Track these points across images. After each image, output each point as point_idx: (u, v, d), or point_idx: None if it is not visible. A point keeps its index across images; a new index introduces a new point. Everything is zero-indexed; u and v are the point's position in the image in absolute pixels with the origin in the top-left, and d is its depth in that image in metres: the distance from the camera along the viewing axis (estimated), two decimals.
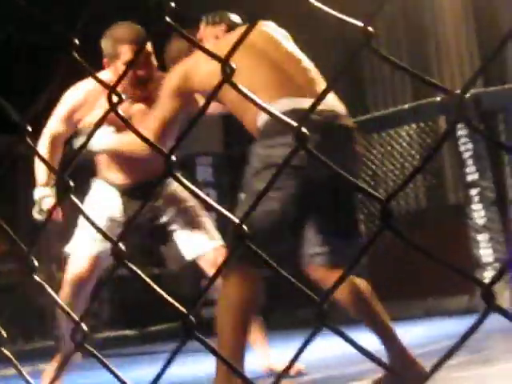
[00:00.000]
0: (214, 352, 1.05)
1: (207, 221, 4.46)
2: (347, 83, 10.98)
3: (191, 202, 4.44)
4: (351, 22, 1.00)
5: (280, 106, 3.04)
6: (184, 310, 1.05)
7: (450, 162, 9.54)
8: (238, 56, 1.18)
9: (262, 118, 3.12)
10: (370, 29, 0.98)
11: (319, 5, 1.05)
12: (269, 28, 3.54)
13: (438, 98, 8.44)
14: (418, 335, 5.63)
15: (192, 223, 4.42)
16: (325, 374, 4.21)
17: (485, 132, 1.24)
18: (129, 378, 1.21)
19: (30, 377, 1.38)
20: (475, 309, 7.46)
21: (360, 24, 0.99)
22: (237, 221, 1.07)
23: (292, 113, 2.97)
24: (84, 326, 1.23)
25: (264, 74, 3.28)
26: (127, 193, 4.45)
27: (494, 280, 0.89)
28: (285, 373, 1.05)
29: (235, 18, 3.89)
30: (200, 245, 4.37)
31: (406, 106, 8.92)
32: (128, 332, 9.12)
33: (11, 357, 1.31)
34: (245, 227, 1.05)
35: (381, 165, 9.34)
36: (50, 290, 1.27)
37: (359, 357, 1.05)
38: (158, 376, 1.09)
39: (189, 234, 4.39)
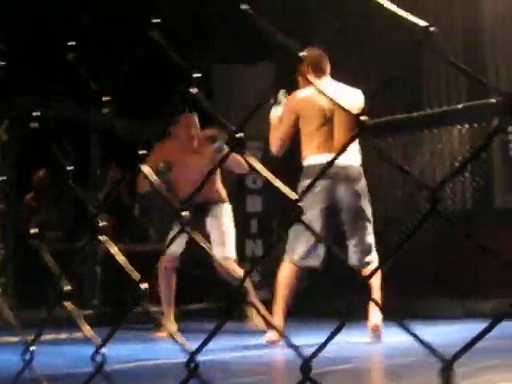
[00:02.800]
0: (262, 316, 1.09)
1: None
2: (403, 80, 10.95)
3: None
4: (412, 21, 1.04)
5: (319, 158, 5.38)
6: (241, 275, 1.09)
7: (499, 165, 9.47)
8: (311, 112, 2.37)
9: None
10: (432, 28, 1.02)
11: (385, 2, 1.08)
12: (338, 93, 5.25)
13: (493, 100, 8.39)
14: (453, 336, 5.62)
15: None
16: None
17: None
18: (171, 351, 1.26)
19: (67, 344, 1.44)
20: None
21: (423, 23, 1.03)
22: (295, 196, 1.12)
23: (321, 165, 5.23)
24: (143, 286, 1.28)
25: (321, 134, 5.48)
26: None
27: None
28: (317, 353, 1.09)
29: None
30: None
31: (460, 106, 8.88)
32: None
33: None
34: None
35: (429, 163, 9.30)
36: (116, 249, 1.33)
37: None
38: (209, 338, 1.14)
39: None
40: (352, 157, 5.45)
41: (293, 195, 1.13)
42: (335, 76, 5.71)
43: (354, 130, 1.11)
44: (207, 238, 6.44)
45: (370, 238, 5.54)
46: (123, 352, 4.81)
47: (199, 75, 1.24)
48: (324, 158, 5.33)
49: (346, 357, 4.55)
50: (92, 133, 8.79)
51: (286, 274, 5.48)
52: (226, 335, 6.02)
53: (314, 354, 1.08)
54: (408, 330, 1.03)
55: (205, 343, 1.20)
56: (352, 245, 5.50)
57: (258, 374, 3.87)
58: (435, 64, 10.90)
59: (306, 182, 5.32)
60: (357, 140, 4.96)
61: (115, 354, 4.55)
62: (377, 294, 5.13)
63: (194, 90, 1.23)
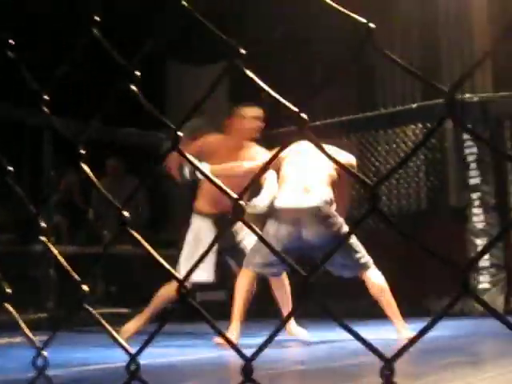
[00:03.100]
0: (206, 319, 1.08)
1: None
2: (357, 80, 11.00)
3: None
4: (354, 18, 1.03)
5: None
6: (180, 277, 1.08)
7: (453, 165, 9.55)
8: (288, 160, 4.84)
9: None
10: (372, 25, 1.01)
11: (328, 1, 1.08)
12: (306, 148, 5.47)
13: (459, 96, 8.43)
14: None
15: None
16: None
17: (471, 132, 1.24)
18: (121, 355, 1.24)
19: (21, 348, 1.41)
20: (472, 311, 7.51)
21: (363, 20, 1.02)
22: (235, 196, 1.11)
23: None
24: (85, 287, 1.26)
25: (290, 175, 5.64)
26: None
27: (470, 265, 0.92)
28: None
29: None
30: None
31: (414, 106, 8.94)
32: (123, 310, 9.14)
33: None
34: None
35: (385, 162, 9.35)
36: (53, 249, 1.30)
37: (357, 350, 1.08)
38: (149, 340, 1.12)
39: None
40: (321, 194, 5.57)
41: (233, 195, 1.11)
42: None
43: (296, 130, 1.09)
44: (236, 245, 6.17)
45: (356, 254, 5.59)
46: (74, 356, 4.76)
47: (139, 73, 1.22)
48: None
49: (296, 358, 4.57)
50: (45, 132, 8.68)
51: (243, 279, 5.59)
52: (180, 337, 6.02)
53: (255, 355, 1.07)
54: (349, 330, 1.02)
55: (145, 345, 1.18)
56: (339, 264, 5.50)
57: (202, 376, 3.85)
58: (390, 64, 10.94)
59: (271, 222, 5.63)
60: (325, 182, 5.55)
61: (65, 357, 4.52)
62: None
63: (133, 88, 1.21)
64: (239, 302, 5.54)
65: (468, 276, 0.92)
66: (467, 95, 8.75)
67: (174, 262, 9.95)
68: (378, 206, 0.97)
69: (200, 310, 1.08)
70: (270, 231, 5.51)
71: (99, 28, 1.30)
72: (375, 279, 5.58)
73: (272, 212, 5.61)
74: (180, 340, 5.88)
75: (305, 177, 5.58)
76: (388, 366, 0.99)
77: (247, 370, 1.07)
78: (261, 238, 1.17)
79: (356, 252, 5.55)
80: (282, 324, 1.07)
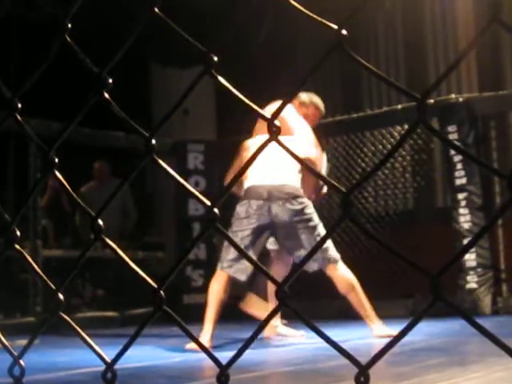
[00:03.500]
0: (179, 325, 1.08)
1: None
2: (343, 81, 11.03)
3: None
4: (326, 25, 1.03)
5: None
6: (155, 285, 1.08)
7: (439, 166, 9.58)
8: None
9: None
10: (344, 32, 1.01)
11: (296, 5, 1.08)
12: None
13: (432, 101, 8.47)
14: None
15: None
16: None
17: (441, 135, 1.26)
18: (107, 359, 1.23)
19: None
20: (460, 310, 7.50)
21: (334, 26, 1.02)
22: (209, 203, 1.10)
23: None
24: (60, 296, 1.25)
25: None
26: None
27: (441, 271, 0.92)
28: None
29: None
30: None
31: (399, 107, 8.95)
32: (109, 313, 9.13)
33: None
34: None
35: (371, 163, 9.35)
36: (29, 258, 1.30)
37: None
38: (126, 347, 1.12)
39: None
40: (287, 176, 5.69)
41: (207, 201, 1.11)
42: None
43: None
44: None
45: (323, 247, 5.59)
46: (59, 359, 4.75)
47: (111, 80, 1.22)
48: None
49: (281, 360, 4.57)
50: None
51: (216, 281, 5.63)
52: (168, 339, 6.01)
53: (230, 363, 1.06)
54: (322, 335, 1.02)
55: (121, 354, 1.18)
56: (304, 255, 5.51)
57: (190, 379, 3.83)
58: (376, 65, 10.97)
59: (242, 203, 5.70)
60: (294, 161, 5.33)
61: (51, 361, 4.50)
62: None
63: (106, 95, 1.21)
64: (211, 304, 5.57)
65: (439, 282, 0.91)
66: (453, 95, 8.78)
67: (162, 264, 9.97)
68: (350, 213, 0.97)
69: (172, 315, 1.08)
70: (240, 214, 5.62)
71: (72, 35, 1.29)
72: (342, 274, 5.56)
73: (243, 194, 5.74)
74: (168, 342, 5.86)
75: (273, 161, 5.54)
76: (362, 373, 0.99)
77: (222, 377, 1.06)
78: (231, 241, 1.17)
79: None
80: (258, 330, 1.07)
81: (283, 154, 5.13)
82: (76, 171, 9.69)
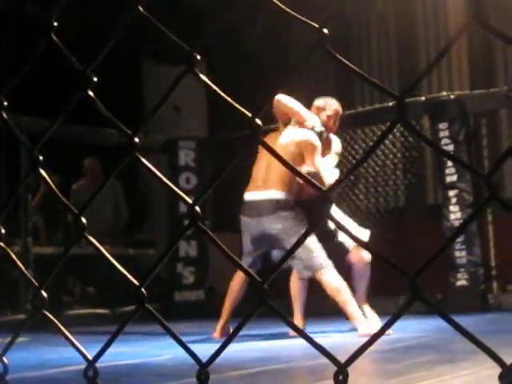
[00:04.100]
0: (160, 322, 1.08)
1: None
2: (336, 78, 11.04)
3: None
4: (309, 24, 1.03)
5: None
6: (136, 283, 1.08)
7: (430, 163, 9.60)
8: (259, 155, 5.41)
9: None
10: (325, 30, 1.01)
11: (279, 4, 1.08)
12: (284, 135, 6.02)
13: (423, 98, 8.48)
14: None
15: None
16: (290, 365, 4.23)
17: (419, 132, 1.25)
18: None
19: None
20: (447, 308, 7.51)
21: (315, 25, 1.03)
22: (190, 201, 1.10)
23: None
24: (44, 293, 1.26)
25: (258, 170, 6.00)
26: None
27: (419, 272, 0.93)
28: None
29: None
30: None
31: (391, 104, 8.95)
32: (99, 311, 9.13)
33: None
34: None
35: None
36: (13, 255, 1.30)
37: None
38: (108, 344, 1.12)
39: None
40: (270, 191, 5.95)
41: (188, 199, 1.11)
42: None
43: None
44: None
45: (310, 253, 5.81)
46: (49, 357, 4.74)
47: (95, 79, 1.22)
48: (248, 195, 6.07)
49: (270, 357, 4.57)
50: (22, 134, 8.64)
51: (235, 279, 6.00)
52: (159, 336, 6.01)
53: (210, 361, 1.07)
54: (302, 334, 1.02)
55: (102, 351, 1.18)
56: (299, 263, 5.92)
57: (179, 376, 3.83)
58: (369, 62, 11.01)
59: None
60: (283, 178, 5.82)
61: (41, 359, 4.50)
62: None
63: (90, 93, 1.21)
64: (228, 301, 6.02)
65: (416, 282, 0.92)
66: (444, 93, 8.79)
67: (153, 261, 9.96)
68: (328, 211, 0.98)
69: (153, 312, 1.08)
70: (242, 225, 6.04)
71: (57, 34, 1.29)
72: (328, 280, 5.77)
73: (242, 207, 6.08)
74: (159, 340, 5.86)
75: (265, 173, 5.94)
76: (341, 371, 0.99)
77: (202, 376, 1.07)
78: (221, 249, 1.17)
79: (311, 252, 5.78)
80: (237, 328, 1.07)
81: (276, 162, 5.14)
82: (67, 168, 9.71)
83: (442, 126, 8.36)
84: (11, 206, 1.39)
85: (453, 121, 8.34)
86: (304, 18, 1.09)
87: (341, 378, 0.99)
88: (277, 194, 5.91)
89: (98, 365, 1.25)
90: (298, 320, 6.23)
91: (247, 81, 10.04)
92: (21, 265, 1.29)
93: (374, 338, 0.97)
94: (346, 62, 1.08)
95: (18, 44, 9.32)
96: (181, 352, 1.10)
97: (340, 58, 1.06)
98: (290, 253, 1.02)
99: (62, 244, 9.52)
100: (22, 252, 8.40)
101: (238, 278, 5.95)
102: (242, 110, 1.08)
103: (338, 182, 1.03)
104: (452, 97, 8.51)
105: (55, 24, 1.31)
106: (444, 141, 8.27)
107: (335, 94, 9.60)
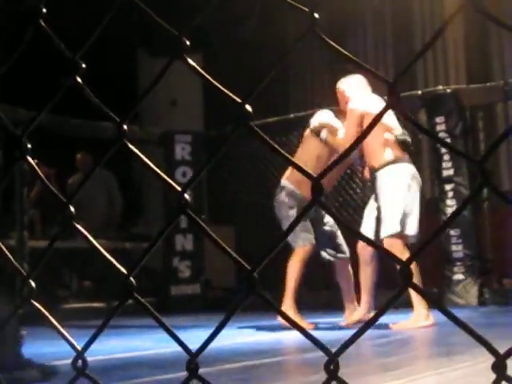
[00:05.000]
0: (151, 314, 1.07)
1: None
2: (331, 72, 11.02)
3: None
4: (299, 7, 1.02)
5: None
6: (125, 271, 1.07)
7: (427, 157, 9.58)
8: None
9: None
10: (316, 15, 1.00)
11: None
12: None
13: (420, 92, 8.48)
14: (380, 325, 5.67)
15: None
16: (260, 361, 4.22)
17: (412, 119, 1.23)
18: (92, 350, 1.22)
19: None
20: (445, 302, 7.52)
21: (306, 9, 1.01)
22: (179, 188, 1.09)
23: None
24: (32, 283, 1.24)
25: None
26: None
27: (411, 259, 0.91)
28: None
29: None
30: None
31: (386, 98, 8.93)
32: (96, 304, 9.12)
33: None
34: None
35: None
36: (3, 247, 1.28)
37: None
38: (95, 335, 1.10)
39: None
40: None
41: (177, 187, 1.10)
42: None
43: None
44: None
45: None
46: (44, 351, 4.74)
47: (84, 65, 1.20)
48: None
49: (267, 349, 4.57)
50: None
51: (296, 257, 6.05)
52: (156, 330, 6.00)
53: (199, 351, 1.05)
54: (293, 324, 1.00)
55: (90, 342, 1.16)
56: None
57: (172, 368, 3.82)
58: (362, 57, 10.99)
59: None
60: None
61: (35, 353, 4.49)
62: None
63: (78, 79, 1.19)
64: (290, 280, 6.01)
65: (409, 270, 0.90)
66: (441, 87, 8.78)
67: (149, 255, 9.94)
68: (319, 199, 0.96)
69: (143, 302, 1.06)
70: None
71: (46, 20, 1.28)
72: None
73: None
74: (154, 333, 5.86)
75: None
76: (332, 361, 0.98)
77: (192, 365, 1.05)
78: (211, 238, 1.15)
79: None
80: (226, 318, 1.05)
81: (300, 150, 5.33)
82: (64, 162, 9.69)
83: (439, 119, 8.36)
84: None
85: (449, 115, 8.34)
86: (294, 3, 1.07)
87: (332, 367, 0.97)
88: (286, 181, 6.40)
89: (93, 358, 1.24)
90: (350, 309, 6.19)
91: (244, 72, 10.03)
92: (10, 255, 1.27)
93: (365, 327, 0.96)
94: (338, 47, 1.06)
95: (18, 43, 9.26)
96: (176, 345, 1.08)
97: (331, 43, 1.04)
98: (284, 236, 1.01)
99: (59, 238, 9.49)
100: (17, 245, 8.38)
101: (300, 255, 6.00)
102: (232, 96, 1.07)
103: (327, 169, 1.01)
104: (449, 91, 8.51)
105: (44, 10, 1.29)
106: (441, 134, 8.28)
107: (330, 89, 9.57)
